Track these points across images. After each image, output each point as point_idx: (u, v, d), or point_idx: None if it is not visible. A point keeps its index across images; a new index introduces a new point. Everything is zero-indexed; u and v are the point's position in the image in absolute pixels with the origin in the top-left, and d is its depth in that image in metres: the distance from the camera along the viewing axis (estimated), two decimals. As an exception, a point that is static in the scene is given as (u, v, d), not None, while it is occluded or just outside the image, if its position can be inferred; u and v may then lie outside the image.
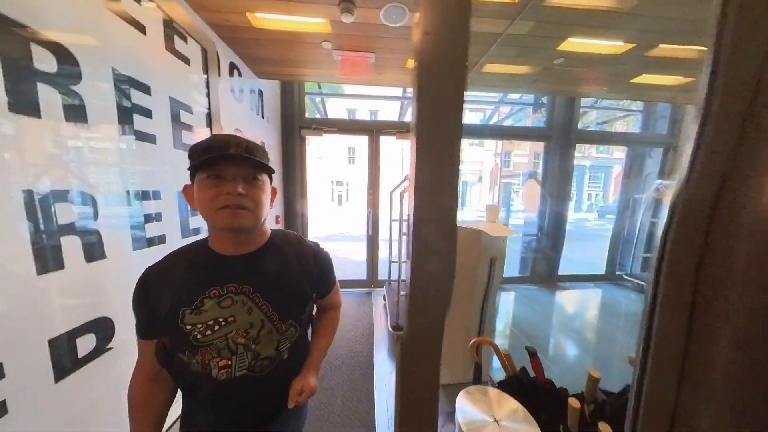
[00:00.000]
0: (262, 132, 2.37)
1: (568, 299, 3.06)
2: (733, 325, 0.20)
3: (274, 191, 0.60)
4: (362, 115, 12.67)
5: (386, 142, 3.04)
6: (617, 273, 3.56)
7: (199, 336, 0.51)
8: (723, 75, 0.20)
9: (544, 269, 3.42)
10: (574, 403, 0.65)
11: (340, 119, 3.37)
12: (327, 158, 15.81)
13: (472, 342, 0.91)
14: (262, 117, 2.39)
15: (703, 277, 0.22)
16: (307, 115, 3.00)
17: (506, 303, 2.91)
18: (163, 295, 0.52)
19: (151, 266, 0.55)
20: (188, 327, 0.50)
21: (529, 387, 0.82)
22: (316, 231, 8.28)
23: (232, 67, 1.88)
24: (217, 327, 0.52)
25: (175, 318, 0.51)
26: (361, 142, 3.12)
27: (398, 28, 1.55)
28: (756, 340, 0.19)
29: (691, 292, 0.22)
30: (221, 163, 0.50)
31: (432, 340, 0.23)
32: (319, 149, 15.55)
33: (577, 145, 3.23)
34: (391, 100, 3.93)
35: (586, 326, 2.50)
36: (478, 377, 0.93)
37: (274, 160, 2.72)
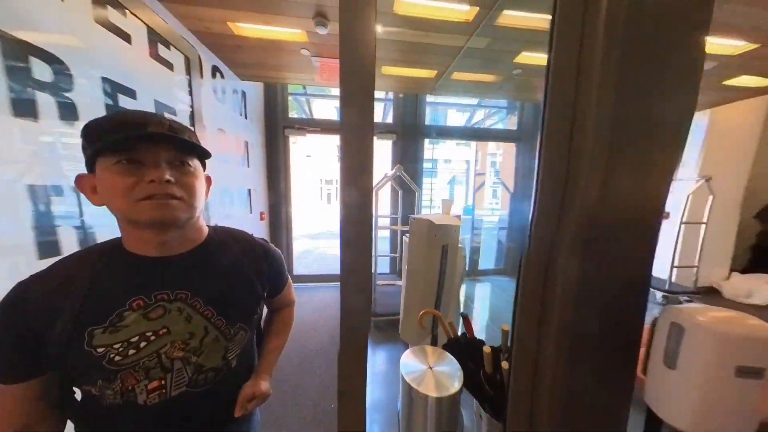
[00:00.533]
0: (245, 131, 2.47)
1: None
2: (560, 291, 0.31)
3: (208, 180, 0.53)
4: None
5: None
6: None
7: (117, 358, 0.41)
8: (550, 109, 0.33)
9: (516, 262, 3.68)
10: (486, 350, 0.84)
11: (324, 119, 3.49)
12: (316, 157, 15.77)
13: (420, 313, 1.08)
14: (245, 117, 2.49)
15: (547, 257, 0.31)
16: (293, 114, 3.11)
17: (482, 292, 3.14)
18: (53, 315, 0.39)
19: (26, 280, 0.41)
20: (100, 350, 0.40)
21: (463, 344, 1.00)
22: (304, 229, 8.33)
23: (215, 70, 1.97)
24: (144, 344, 0.43)
25: (79, 342, 0.40)
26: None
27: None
28: (577, 299, 0.30)
29: (544, 269, 0.32)
30: (139, 145, 0.41)
31: (361, 325, 0.31)
32: (307, 148, 15.50)
33: (545, 146, 3.49)
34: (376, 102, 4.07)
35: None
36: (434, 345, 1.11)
37: (258, 159, 2.82)
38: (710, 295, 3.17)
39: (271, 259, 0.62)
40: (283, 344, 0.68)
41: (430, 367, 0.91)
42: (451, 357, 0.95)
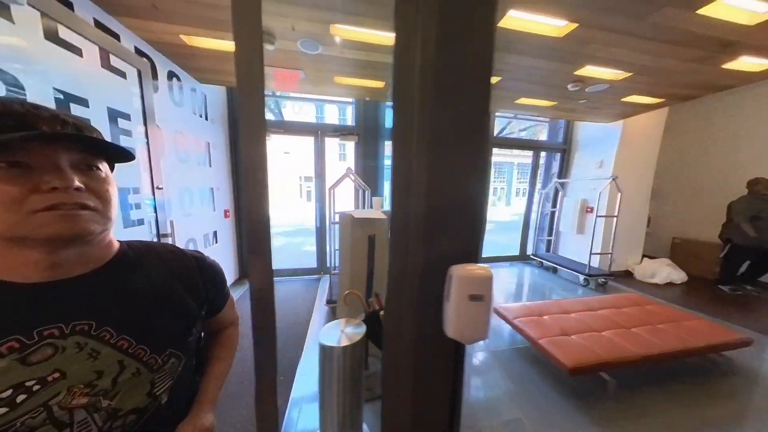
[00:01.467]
0: (206, 133, 2.57)
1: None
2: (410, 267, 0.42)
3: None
4: (332, 116, 12.62)
5: (331, 143, 3.39)
6: (527, 254, 4.36)
7: None
8: (398, 118, 0.54)
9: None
10: (382, 313, 1.11)
11: (288, 121, 3.63)
12: (295, 153, 15.54)
13: (344, 294, 1.34)
14: (206, 118, 2.59)
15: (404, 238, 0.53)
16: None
17: None
18: None
19: None
20: None
21: (376, 317, 1.27)
22: (281, 226, 8.31)
23: (171, 75, 2.08)
24: (22, 397, 0.34)
25: None
26: (330, 142, 3.41)
27: (319, 54, 1.91)
28: (424, 270, 0.42)
29: (405, 248, 0.47)
30: (26, 144, 0.33)
31: (264, 295, 0.39)
32: (286, 145, 15.23)
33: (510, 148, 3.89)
34: (347, 104, 4.25)
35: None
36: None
37: (221, 159, 2.92)
38: (625, 277, 3.77)
39: (208, 272, 0.54)
40: (228, 370, 0.59)
41: (342, 331, 1.17)
42: (361, 322, 1.24)
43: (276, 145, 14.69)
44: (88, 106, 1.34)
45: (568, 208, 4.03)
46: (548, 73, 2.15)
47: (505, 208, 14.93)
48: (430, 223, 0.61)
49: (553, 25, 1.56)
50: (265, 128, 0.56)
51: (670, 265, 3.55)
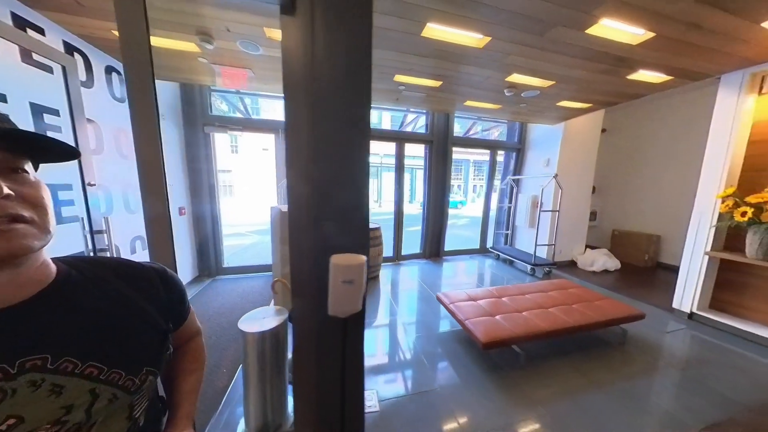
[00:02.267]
0: (154, 129, 2.53)
1: (446, 268, 3.95)
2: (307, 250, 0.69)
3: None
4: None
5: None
6: (487, 246, 4.65)
7: None
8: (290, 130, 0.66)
9: (433, 247, 4.29)
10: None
11: (247, 118, 3.61)
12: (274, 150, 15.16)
13: (273, 281, 1.44)
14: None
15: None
16: (221, 112, 3.18)
17: (407, 273, 3.64)
18: None
19: None
20: None
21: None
22: (254, 225, 8.17)
23: (110, 69, 2.04)
24: None
25: None
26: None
27: (264, 54, 1.97)
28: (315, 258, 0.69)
29: (298, 242, 0.73)
30: None
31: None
32: (264, 141, 14.82)
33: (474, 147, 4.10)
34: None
35: (443, 287, 3.35)
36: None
37: (174, 156, 2.89)
38: (570, 266, 4.14)
39: (169, 284, 0.51)
40: (201, 381, 0.58)
41: (264, 317, 1.27)
42: (283, 308, 1.35)
43: (253, 143, 14.26)
44: (6, 102, 1.33)
45: (522, 203, 4.35)
46: (483, 79, 2.34)
47: (472, 205, 15.64)
48: (317, 216, 0.77)
49: (472, 37, 1.73)
50: (155, 111, 0.67)
51: (606, 254, 3.95)
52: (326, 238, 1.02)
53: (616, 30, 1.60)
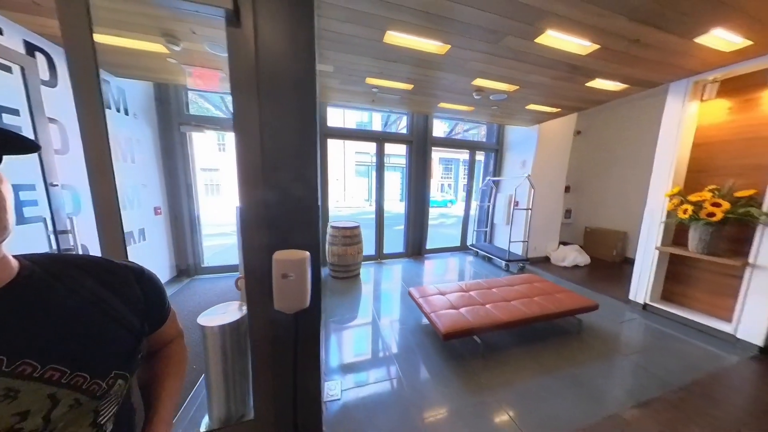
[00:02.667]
0: (125, 128, 2.52)
1: (426, 266, 4.06)
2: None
3: None
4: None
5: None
6: (468, 244, 4.80)
7: None
8: (240, 132, 0.75)
9: (415, 246, 4.39)
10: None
11: (227, 117, 3.60)
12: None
13: (236, 279, 1.50)
14: (126, 113, 2.54)
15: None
16: (201, 111, 3.15)
17: (387, 271, 3.72)
18: None
19: None
20: None
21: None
22: (226, 225, 8.04)
23: (77, 69, 2.03)
24: None
25: None
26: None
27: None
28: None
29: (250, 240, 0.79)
30: None
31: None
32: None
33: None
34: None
35: (421, 284, 3.46)
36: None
37: (148, 155, 2.86)
38: (544, 262, 4.33)
39: (146, 283, 0.49)
40: (181, 386, 0.55)
41: (225, 312, 1.33)
42: (244, 304, 1.40)
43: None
44: (-41, 102, 1.32)
45: (500, 202, 4.50)
46: (451, 82, 2.44)
47: (462, 204, 15.94)
48: (266, 215, 0.86)
49: (433, 45, 1.82)
50: (100, 106, 0.73)
51: (577, 250, 4.16)
52: (273, 235, 1.11)
53: (564, 41, 1.72)
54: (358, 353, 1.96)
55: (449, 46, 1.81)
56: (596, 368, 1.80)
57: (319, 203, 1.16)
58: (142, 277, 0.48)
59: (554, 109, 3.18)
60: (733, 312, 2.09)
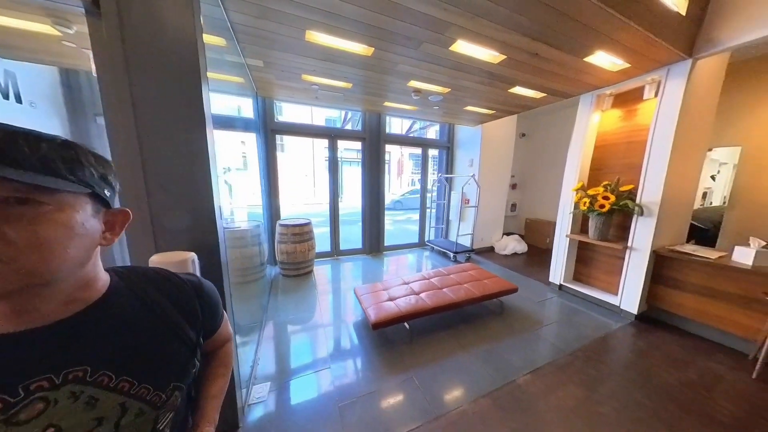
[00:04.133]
0: (15, 118, 2.19)
1: (383, 262, 4.19)
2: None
3: (118, 216, 0.40)
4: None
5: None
6: (426, 240, 5.04)
7: None
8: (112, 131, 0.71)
9: (373, 242, 4.49)
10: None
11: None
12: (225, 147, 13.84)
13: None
14: (18, 101, 2.20)
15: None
16: None
17: (342, 268, 3.76)
18: None
19: None
20: None
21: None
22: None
23: (-61, 46, 1.71)
24: None
25: None
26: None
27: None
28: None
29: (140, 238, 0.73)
30: None
31: None
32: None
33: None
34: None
35: (373, 280, 3.57)
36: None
37: (56, 149, 2.53)
38: (489, 251, 4.72)
39: (205, 296, 0.52)
40: (225, 387, 0.59)
41: None
42: None
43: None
44: None
45: (454, 199, 4.78)
46: (387, 83, 2.52)
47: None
48: (150, 214, 0.86)
49: (361, 47, 1.87)
50: None
51: (516, 240, 4.60)
52: (156, 235, 1.10)
53: (476, 49, 1.88)
54: (296, 351, 2.00)
55: (373, 49, 1.87)
56: (507, 343, 2.06)
57: (218, 203, 1.15)
58: (201, 292, 0.51)
59: (490, 111, 3.45)
60: (618, 287, 2.52)
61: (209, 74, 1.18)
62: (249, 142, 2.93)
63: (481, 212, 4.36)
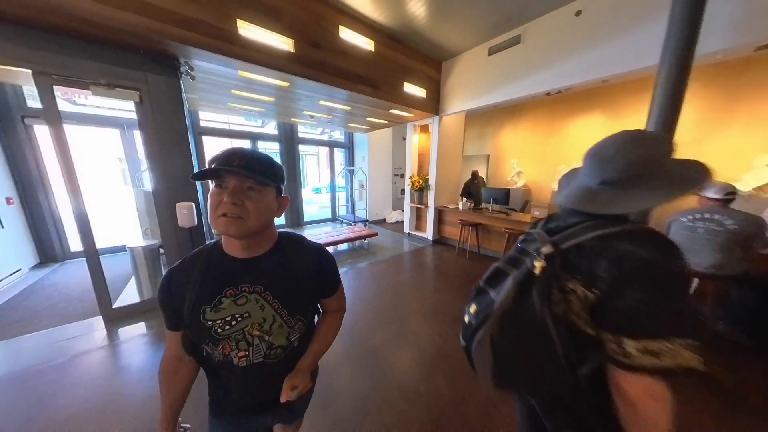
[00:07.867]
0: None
1: (301, 232, 5.66)
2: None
3: (284, 201, 0.64)
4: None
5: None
6: (336, 216, 6.76)
7: (219, 330, 0.58)
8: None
9: (294, 219, 5.88)
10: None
11: (86, 113, 3.71)
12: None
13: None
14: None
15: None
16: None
17: None
18: (184, 294, 0.58)
19: (172, 267, 0.61)
20: (209, 322, 0.58)
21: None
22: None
23: None
24: (234, 322, 0.59)
25: (197, 314, 0.58)
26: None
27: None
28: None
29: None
30: (225, 174, 0.54)
31: None
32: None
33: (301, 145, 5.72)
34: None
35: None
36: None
37: (-10, 148, 2.94)
38: (382, 222, 6.84)
39: (324, 263, 0.71)
40: (326, 349, 0.74)
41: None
42: None
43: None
44: None
45: (355, 185, 6.62)
46: (294, 110, 3.97)
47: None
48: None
49: (280, 82, 3.27)
50: None
51: (399, 213, 6.85)
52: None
53: (337, 105, 3.58)
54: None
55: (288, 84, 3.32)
56: (363, 268, 3.96)
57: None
58: (322, 257, 0.71)
59: (364, 126, 5.34)
60: (427, 228, 4.85)
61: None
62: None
63: (371, 194, 6.36)
